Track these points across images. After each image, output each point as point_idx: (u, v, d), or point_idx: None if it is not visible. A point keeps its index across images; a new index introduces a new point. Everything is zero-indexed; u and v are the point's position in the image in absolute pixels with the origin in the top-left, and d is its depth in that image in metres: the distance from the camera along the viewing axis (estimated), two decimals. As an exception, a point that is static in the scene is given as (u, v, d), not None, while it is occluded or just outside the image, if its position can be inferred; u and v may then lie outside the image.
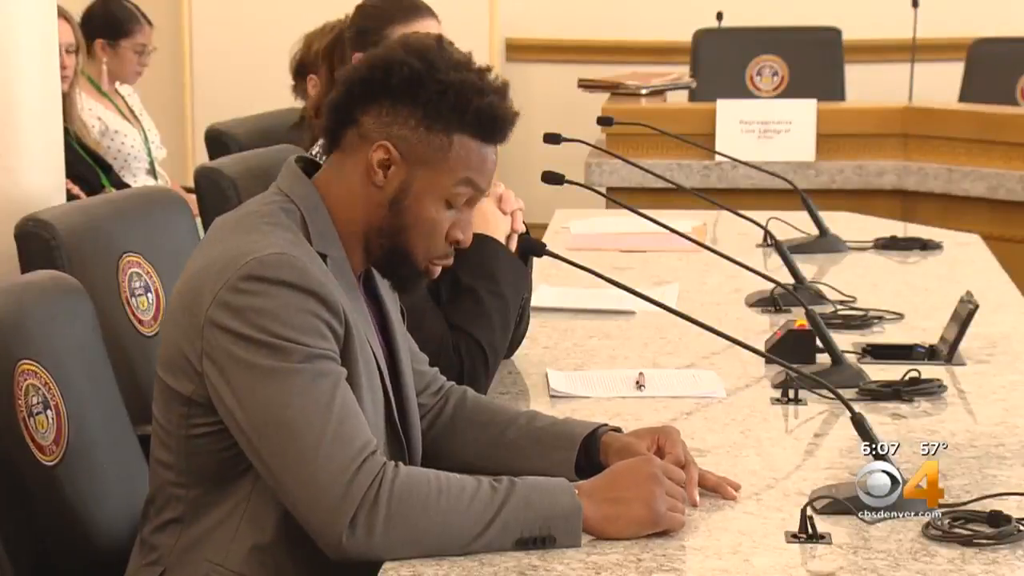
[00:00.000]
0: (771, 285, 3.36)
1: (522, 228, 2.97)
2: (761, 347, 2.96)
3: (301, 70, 4.65)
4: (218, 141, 4.73)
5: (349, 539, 2.06)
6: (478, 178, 2.26)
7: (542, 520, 2.09)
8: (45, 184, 3.26)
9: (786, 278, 3.48)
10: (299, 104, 4.66)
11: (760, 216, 3.98)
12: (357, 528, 2.06)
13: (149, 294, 3.04)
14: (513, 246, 2.96)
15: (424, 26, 3.18)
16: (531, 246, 2.87)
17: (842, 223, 4.48)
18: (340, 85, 2.28)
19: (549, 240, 3.67)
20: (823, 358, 2.97)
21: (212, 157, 4.57)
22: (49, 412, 2.37)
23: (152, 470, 2.30)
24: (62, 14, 5.05)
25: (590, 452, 2.36)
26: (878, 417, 2.69)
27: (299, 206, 2.25)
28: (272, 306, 2.11)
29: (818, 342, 2.98)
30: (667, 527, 2.15)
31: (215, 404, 2.16)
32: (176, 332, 2.20)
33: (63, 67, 4.96)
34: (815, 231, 4.21)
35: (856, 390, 2.81)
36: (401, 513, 2.07)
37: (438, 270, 2.31)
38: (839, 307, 3.43)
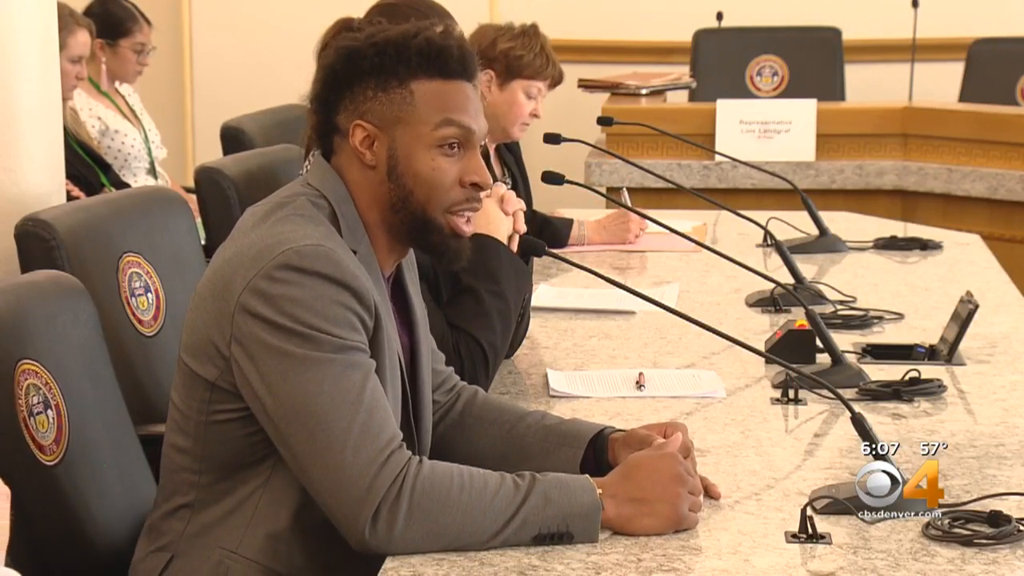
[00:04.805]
0: (771, 285, 3.36)
1: (523, 228, 2.97)
2: (761, 347, 2.96)
3: None
4: (234, 138, 4.73)
5: (371, 532, 2.07)
6: (455, 115, 2.25)
7: (561, 517, 2.10)
8: (45, 184, 3.25)
9: (786, 278, 3.48)
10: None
11: (760, 216, 3.99)
12: (379, 522, 2.07)
13: (149, 294, 3.03)
14: (514, 246, 2.96)
15: None
16: (532, 246, 2.87)
17: (842, 223, 4.49)
18: (311, 110, 2.32)
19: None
20: (823, 358, 2.98)
21: (227, 153, 4.59)
22: (50, 412, 2.36)
23: (165, 455, 2.30)
24: (85, 25, 5.05)
25: (598, 450, 2.37)
26: (878, 417, 2.69)
27: (330, 201, 2.26)
28: (306, 296, 2.12)
29: (818, 342, 2.98)
30: (686, 527, 2.17)
31: (241, 390, 2.16)
32: (204, 318, 2.20)
33: (80, 76, 4.99)
34: (815, 231, 4.22)
35: (856, 390, 2.81)
36: (423, 508, 2.07)
37: (464, 222, 2.28)
38: (839, 307, 3.43)
